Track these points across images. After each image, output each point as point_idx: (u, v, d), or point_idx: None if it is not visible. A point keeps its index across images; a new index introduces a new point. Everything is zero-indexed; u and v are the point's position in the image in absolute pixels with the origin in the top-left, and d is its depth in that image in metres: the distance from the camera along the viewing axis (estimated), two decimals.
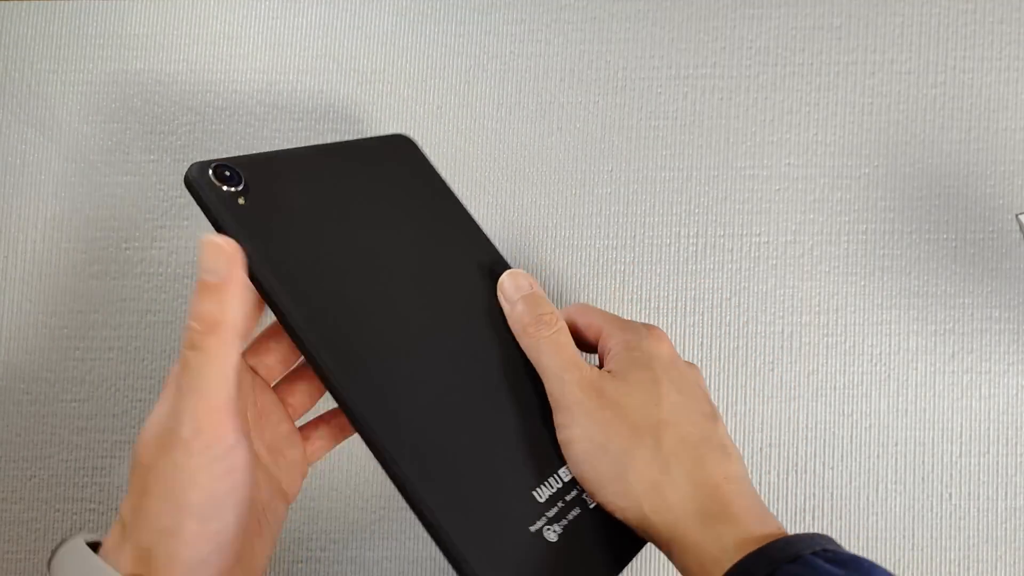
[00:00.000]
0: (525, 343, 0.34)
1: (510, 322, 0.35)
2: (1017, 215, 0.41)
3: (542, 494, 0.32)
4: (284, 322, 0.29)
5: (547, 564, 0.30)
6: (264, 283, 0.29)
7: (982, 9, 0.44)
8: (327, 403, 0.34)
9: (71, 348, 0.43)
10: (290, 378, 0.35)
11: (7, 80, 0.45)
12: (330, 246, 0.32)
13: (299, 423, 0.35)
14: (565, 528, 0.31)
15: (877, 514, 0.41)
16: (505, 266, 0.37)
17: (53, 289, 0.44)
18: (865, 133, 0.44)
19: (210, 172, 0.29)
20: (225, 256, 0.27)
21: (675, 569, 0.30)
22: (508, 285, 0.35)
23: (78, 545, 0.28)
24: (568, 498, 0.32)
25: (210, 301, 0.26)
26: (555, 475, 0.32)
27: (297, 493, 0.33)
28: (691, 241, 0.43)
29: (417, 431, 0.30)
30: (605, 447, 0.31)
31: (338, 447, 0.36)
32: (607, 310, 0.36)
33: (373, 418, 0.29)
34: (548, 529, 0.31)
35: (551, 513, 0.31)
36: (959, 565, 0.41)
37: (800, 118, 0.44)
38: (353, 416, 0.29)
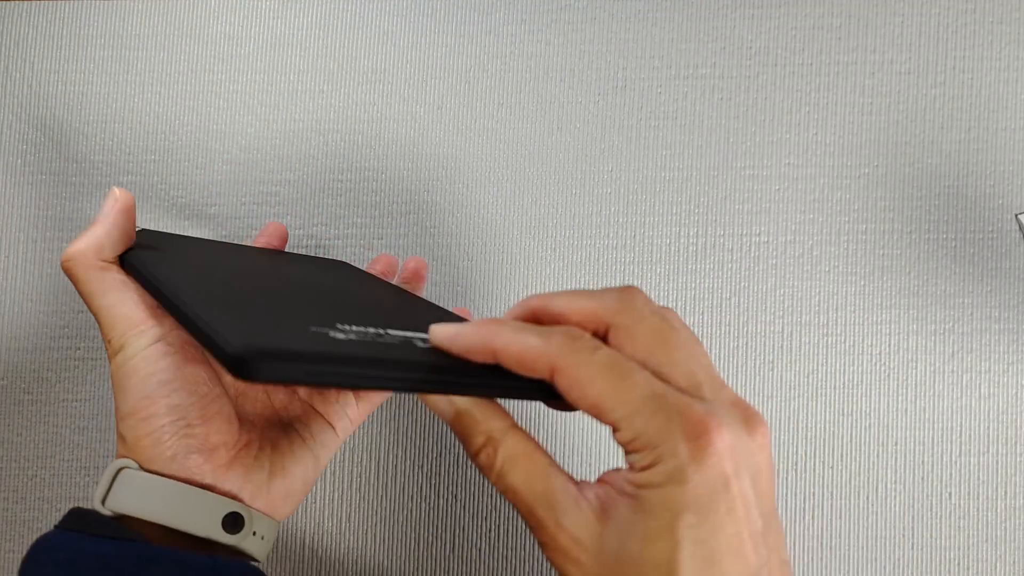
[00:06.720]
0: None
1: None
2: (1017, 215, 0.41)
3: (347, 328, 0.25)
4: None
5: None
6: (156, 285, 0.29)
7: (982, 9, 0.44)
8: None
9: (72, 348, 0.43)
10: None
11: (7, 80, 0.45)
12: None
13: None
14: (359, 335, 0.25)
15: (877, 514, 0.41)
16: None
17: (53, 289, 0.44)
18: (865, 133, 0.44)
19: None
20: (111, 198, 0.33)
21: None
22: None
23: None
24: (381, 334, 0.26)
25: (89, 231, 0.33)
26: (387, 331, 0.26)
27: (340, 421, 0.35)
28: (691, 241, 0.43)
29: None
30: None
31: (340, 444, 0.36)
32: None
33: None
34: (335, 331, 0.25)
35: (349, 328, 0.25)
36: (959, 565, 0.41)
37: (800, 118, 0.44)
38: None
